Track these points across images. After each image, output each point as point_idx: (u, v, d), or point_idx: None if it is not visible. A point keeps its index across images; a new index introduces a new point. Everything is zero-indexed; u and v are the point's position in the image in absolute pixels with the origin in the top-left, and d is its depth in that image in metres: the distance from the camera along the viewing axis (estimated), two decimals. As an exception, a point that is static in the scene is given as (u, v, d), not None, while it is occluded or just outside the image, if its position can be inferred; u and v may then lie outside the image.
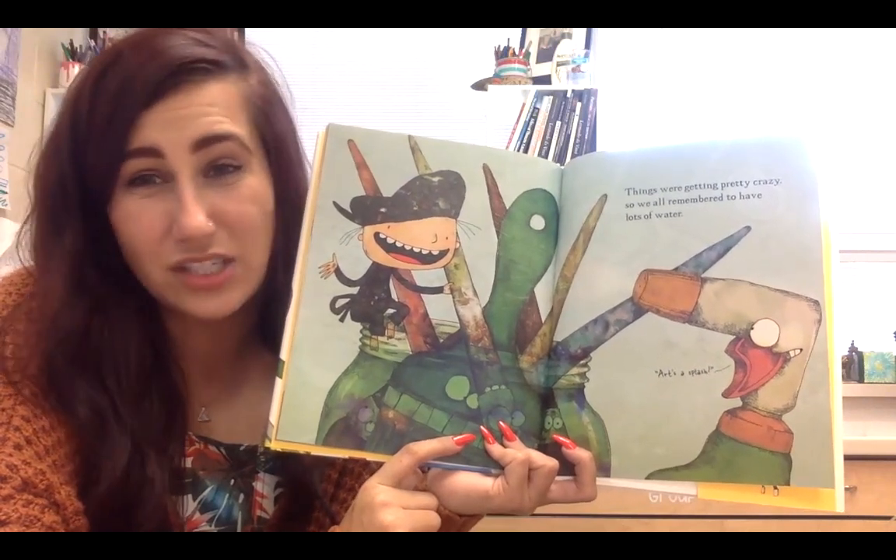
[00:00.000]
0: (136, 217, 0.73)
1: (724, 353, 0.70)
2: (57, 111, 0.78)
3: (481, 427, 0.72)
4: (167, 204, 0.72)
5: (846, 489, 2.14)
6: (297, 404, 0.71)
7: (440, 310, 0.74)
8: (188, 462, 0.81)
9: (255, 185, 0.76)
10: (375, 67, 2.92)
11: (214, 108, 0.73)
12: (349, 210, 0.75)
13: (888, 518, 1.95)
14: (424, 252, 0.74)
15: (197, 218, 0.71)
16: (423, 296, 0.74)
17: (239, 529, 0.83)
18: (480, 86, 2.71)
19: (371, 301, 0.74)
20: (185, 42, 0.73)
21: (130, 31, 0.77)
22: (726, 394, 0.70)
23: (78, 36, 2.86)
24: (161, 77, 0.71)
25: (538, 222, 0.75)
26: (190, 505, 0.81)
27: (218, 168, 0.74)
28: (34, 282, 0.77)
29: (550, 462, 0.70)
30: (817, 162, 0.72)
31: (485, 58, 2.71)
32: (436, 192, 0.75)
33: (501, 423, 0.72)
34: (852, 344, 2.51)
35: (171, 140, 0.71)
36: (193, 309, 0.76)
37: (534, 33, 2.75)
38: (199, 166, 0.73)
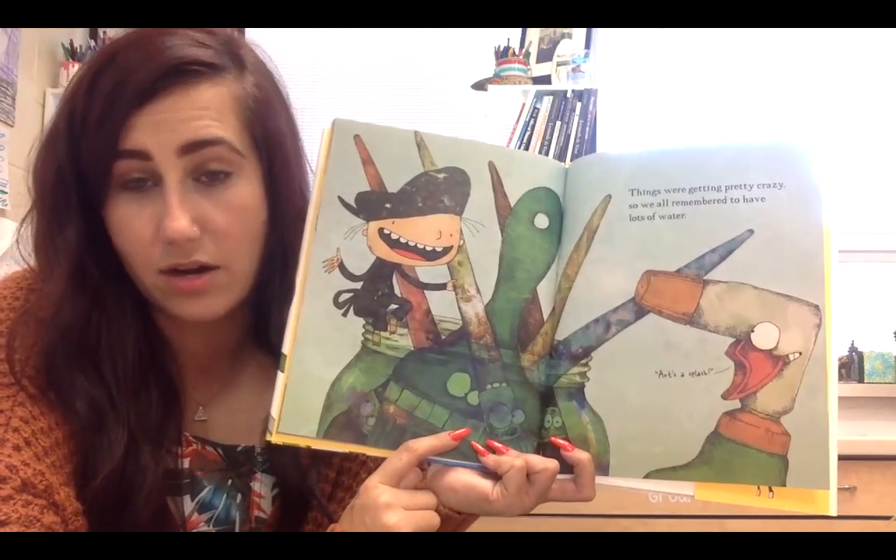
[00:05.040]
0: (127, 223, 0.73)
1: (724, 355, 0.70)
2: (56, 107, 0.77)
3: (473, 443, 0.72)
4: (155, 207, 0.72)
5: (846, 489, 2.13)
6: (298, 397, 0.72)
7: (443, 306, 0.74)
8: (185, 463, 0.81)
9: (245, 194, 0.75)
10: (375, 67, 2.92)
11: (205, 111, 0.72)
12: (354, 205, 0.75)
13: (888, 518, 1.95)
14: (428, 248, 0.75)
15: (180, 222, 0.71)
16: (426, 292, 0.74)
17: (237, 529, 0.83)
18: (480, 86, 2.71)
19: (374, 296, 0.74)
20: (183, 42, 0.73)
21: (130, 30, 0.77)
22: (726, 395, 0.70)
23: (78, 36, 2.86)
24: (153, 78, 0.71)
25: (542, 221, 0.76)
26: (188, 505, 0.81)
27: (209, 174, 0.73)
28: (30, 284, 0.77)
29: (551, 464, 0.71)
30: (821, 167, 0.72)
31: (485, 58, 2.71)
32: (441, 189, 0.75)
33: (491, 441, 0.72)
34: (852, 344, 2.51)
35: (159, 143, 0.71)
36: (179, 311, 0.76)
37: (534, 33, 2.75)
38: (188, 170, 0.73)
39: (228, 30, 0.79)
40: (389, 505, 0.67)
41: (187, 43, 0.73)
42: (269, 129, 0.78)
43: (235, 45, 0.78)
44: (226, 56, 0.75)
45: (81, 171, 0.73)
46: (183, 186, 0.72)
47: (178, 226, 0.71)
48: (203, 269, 0.74)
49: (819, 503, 0.68)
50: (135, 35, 0.75)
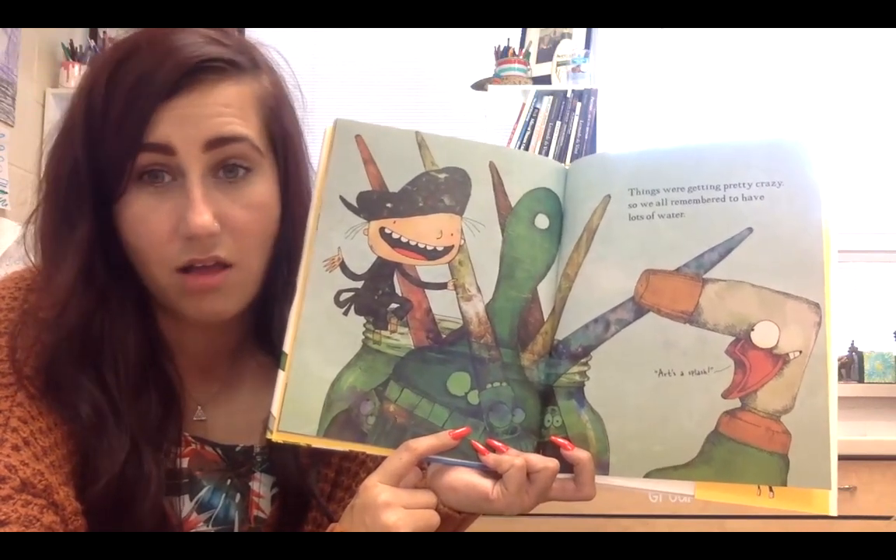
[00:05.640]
0: (144, 218, 0.73)
1: (723, 354, 0.70)
2: (70, 102, 0.77)
3: (473, 442, 0.72)
4: (175, 202, 0.72)
5: (846, 489, 2.13)
6: (299, 396, 0.72)
7: (443, 305, 0.74)
8: (184, 462, 0.81)
9: (263, 191, 0.76)
10: (375, 67, 2.92)
11: (229, 108, 0.73)
12: (355, 205, 0.75)
13: (888, 518, 1.95)
14: (429, 248, 0.75)
15: (203, 217, 0.71)
16: (427, 291, 0.74)
17: (236, 529, 0.83)
18: (480, 86, 2.71)
19: (375, 295, 0.74)
20: (201, 40, 0.74)
21: (133, 30, 0.77)
22: (725, 394, 0.70)
23: (78, 36, 2.86)
24: (179, 73, 0.71)
25: (542, 221, 0.76)
26: (187, 505, 0.81)
27: (228, 168, 0.74)
28: (29, 284, 0.77)
29: (552, 463, 0.71)
30: (819, 165, 0.72)
31: (485, 58, 2.71)
32: (442, 189, 0.75)
33: (492, 441, 0.72)
34: (852, 344, 2.51)
35: (185, 137, 0.71)
36: (192, 311, 0.76)
37: (534, 33, 2.75)
38: (210, 165, 0.73)
39: (233, 30, 0.80)
40: (389, 504, 0.67)
41: (205, 41, 0.74)
42: (284, 129, 0.79)
43: (248, 46, 0.78)
44: (243, 55, 0.76)
45: (97, 167, 0.73)
46: (204, 182, 0.73)
47: (202, 221, 0.71)
48: (219, 265, 0.74)
49: (819, 503, 0.68)
50: (145, 34, 0.75)
